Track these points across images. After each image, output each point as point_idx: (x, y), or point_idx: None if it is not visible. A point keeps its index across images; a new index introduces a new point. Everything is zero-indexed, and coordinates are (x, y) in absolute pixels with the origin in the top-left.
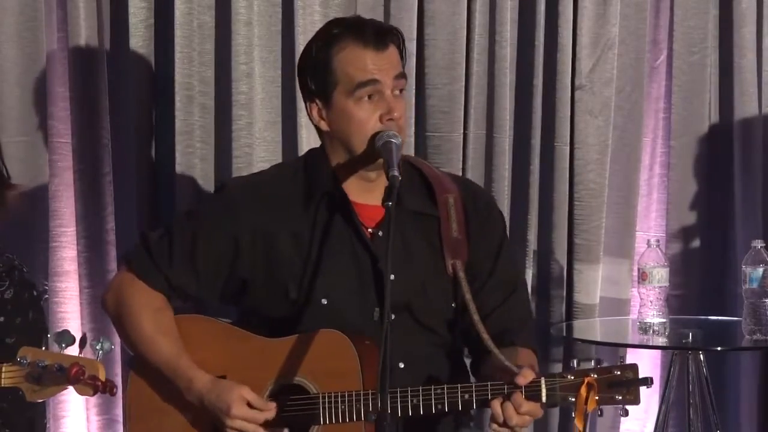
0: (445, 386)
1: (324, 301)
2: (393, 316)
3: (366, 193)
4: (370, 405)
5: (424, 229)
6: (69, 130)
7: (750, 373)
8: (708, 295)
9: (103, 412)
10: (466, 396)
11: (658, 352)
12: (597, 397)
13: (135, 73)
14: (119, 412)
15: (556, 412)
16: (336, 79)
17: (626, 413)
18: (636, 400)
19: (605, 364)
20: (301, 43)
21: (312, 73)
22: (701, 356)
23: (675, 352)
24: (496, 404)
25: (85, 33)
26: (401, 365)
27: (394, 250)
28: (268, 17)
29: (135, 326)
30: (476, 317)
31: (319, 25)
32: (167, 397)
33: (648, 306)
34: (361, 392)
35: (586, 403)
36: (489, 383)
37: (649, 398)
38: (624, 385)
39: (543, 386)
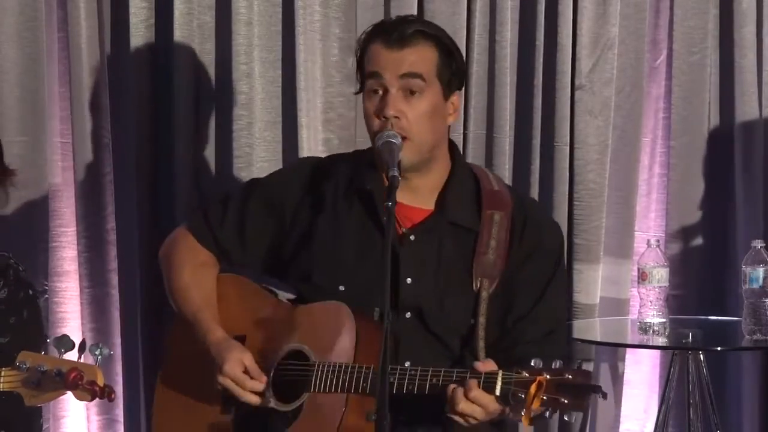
0: (419, 368)
1: (341, 288)
2: (408, 315)
3: (410, 193)
4: (355, 378)
5: (461, 241)
6: (69, 130)
7: (750, 373)
8: (708, 295)
9: (103, 412)
10: (434, 380)
11: (658, 352)
12: (544, 398)
13: (135, 73)
14: (119, 412)
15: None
16: (364, 74)
17: (573, 419)
18: (582, 408)
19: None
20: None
21: (357, 68)
22: (701, 356)
23: (675, 352)
24: (450, 388)
25: (85, 33)
26: (407, 364)
27: (419, 254)
28: (268, 17)
29: (175, 277)
30: (482, 343)
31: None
32: (193, 382)
33: (648, 306)
34: (350, 365)
35: (532, 401)
36: (455, 370)
37: (649, 398)
38: (572, 390)
39: (499, 379)
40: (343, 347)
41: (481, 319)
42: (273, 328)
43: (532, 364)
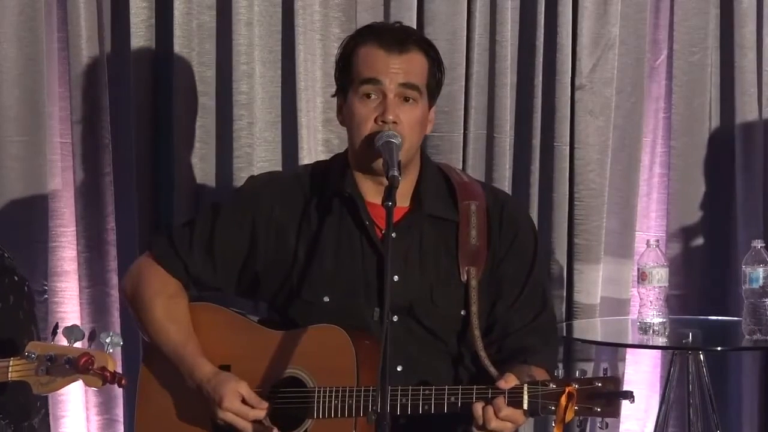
0: (433, 388)
1: (326, 299)
2: (395, 318)
3: (382, 195)
4: (362, 401)
5: (442, 234)
6: (69, 130)
7: (750, 373)
8: (708, 295)
9: (103, 412)
10: (452, 398)
11: (658, 352)
12: (576, 408)
13: (135, 72)
14: (119, 411)
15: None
16: (352, 76)
17: (606, 426)
18: (615, 413)
19: (589, 375)
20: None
21: (339, 68)
22: (701, 356)
23: (675, 352)
24: (478, 407)
25: (85, 33)
26: (399, 368)
27: (402, 252)
28: (268, 17)
29: (148, 312)
30: (477, 332)
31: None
32: (173, 385)
33: (648, 306)
34: (354, 389)
35: (565, 412)
36: (474, 387)
37: (649, 398)
38: (604, 398)
39: (525, 393)
40: (345, 371)
41: (474, 308)
42: (259, 355)
43: (556, 374)
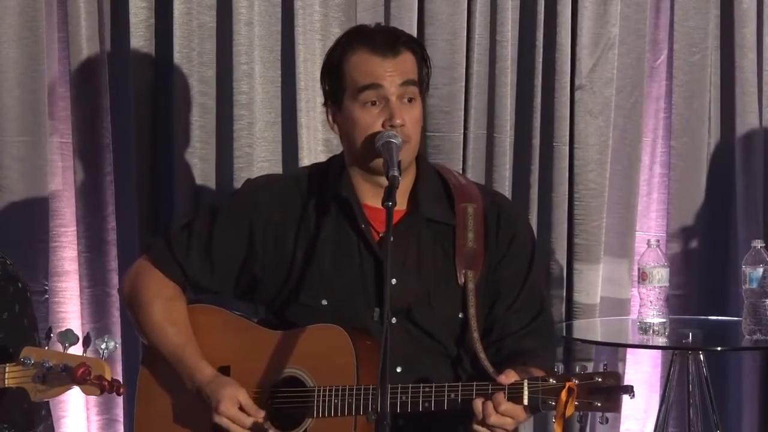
0: (433, 385)
1: (324, 302)
2: (394, 320)
3: (379, 197)
4: (362, 400)
5: (439, 237)
6: (69, 130)
7: (750, 373)
8: (708, 295)
9: (103, 412)
10: (452, 395)
11: (658, 352)
12: (576, 403)
13: (135, 73)
14: (119, 411)
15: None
16: (345, 84)
17: (606, 421)
18: (616, 409)
19: (589, 371)
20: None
21: (327, 77)
22: (701, 356)
23: (675, 352)
24: (478, 402)
25: (85, 33)
26: (398, 369)
27: (400, 255)
28: (269, 17)
29: (146, 314)
30: (476, 335)
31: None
32: (173, 386)
33: (648, 306)
34: (354, 387)
35: (565, 407)
36: (474, 383)
37: (649, 398)
38: (604, 393)
39: (525, 388)
40: (345, 370)
41: (472, 311)
42: (259, 355)
43: (556, 369)
